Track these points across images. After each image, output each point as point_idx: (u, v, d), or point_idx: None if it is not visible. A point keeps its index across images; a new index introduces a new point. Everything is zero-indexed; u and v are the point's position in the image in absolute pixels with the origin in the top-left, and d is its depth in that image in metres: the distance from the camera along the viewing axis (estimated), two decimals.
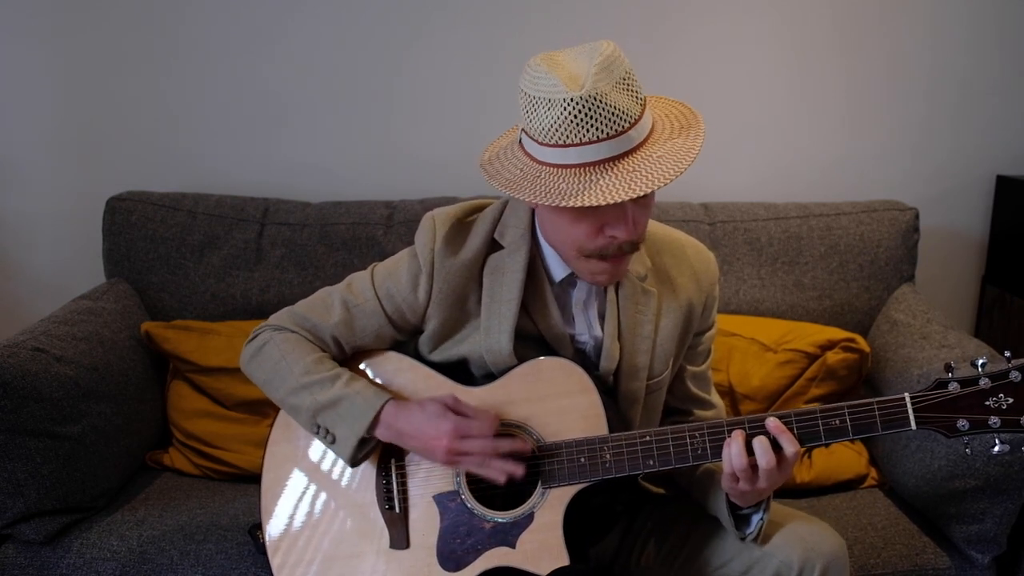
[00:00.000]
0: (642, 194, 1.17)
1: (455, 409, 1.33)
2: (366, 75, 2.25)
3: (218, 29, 2.22)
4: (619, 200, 1.16)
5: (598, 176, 1.19)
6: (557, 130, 1.19)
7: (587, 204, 1.17)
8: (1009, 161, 2.32)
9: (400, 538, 1.39)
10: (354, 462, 1.37)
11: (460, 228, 1.40)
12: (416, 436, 1.33)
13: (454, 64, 2.24)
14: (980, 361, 1.23)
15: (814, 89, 2.27)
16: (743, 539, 1.35)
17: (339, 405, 1.35)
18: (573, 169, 1.21)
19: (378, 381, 1.44)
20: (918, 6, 2.22)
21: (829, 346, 1.93)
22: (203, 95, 2.26)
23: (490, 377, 1.40)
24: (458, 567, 1.36)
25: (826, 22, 2.23)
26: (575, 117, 1.18)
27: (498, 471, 1.30)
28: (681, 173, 1.19)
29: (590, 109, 1.17)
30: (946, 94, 2.28)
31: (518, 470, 1.31)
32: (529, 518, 1.35)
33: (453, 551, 1.36)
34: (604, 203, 1.17)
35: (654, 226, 1.47)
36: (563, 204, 1.18)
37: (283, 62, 2.24)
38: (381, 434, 1.35)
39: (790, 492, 1.85)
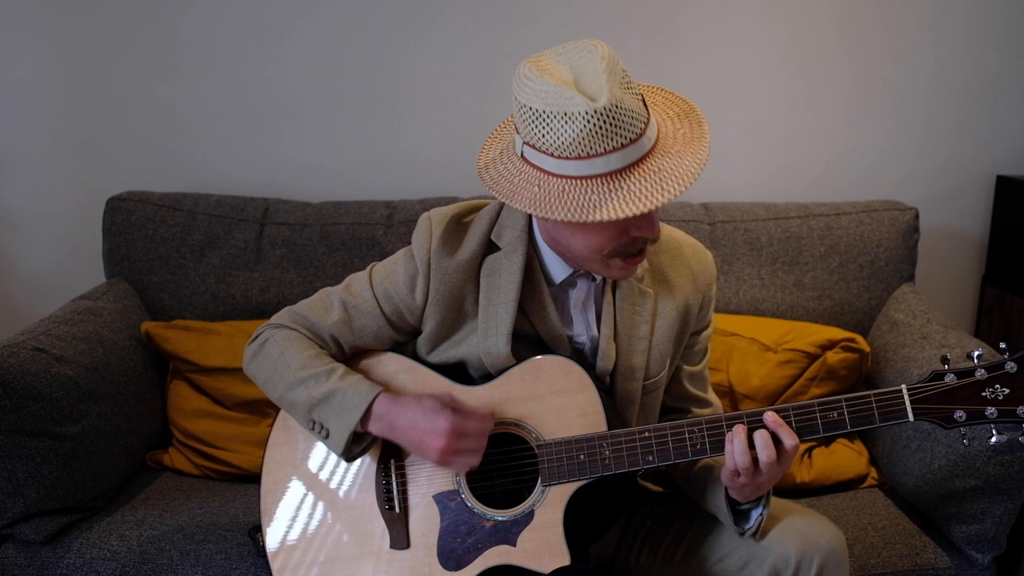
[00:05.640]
0: (677, 195, 1.15)
1: (453, 407, 1.32)
2: (366, 75, 2.25)
3: (218, 29, 2.22)
4: (660, 204, 1.15)
5: (628, 182, 1.17)
6: (580, 143, 1.16)
7: (632, 214, 1.14)
8: (1009, 161, 2.32)
9: (400, 538, 1.39)
10: (348, 457, 1.36)
11: (456, 229, 1.40)
12: (410, 430, 1.31)
13: (454, 64, 2.24)
14: (976, 353, 1.24)
15: (814, 89, 2.27)
16: (742, 535, 1.35)
17: (332, 399, 1.34)
18: (599, 179, 1.18)
19: (378, 381, 1.43)
20: (918, 6, 2.22)
21: (829, 346, 1.93)
22: (203, 95, 2.26)
23: (488, 378, 1.40)
24: (459, 566, 1.35)
25: (826, 22, 2.23)
26: (599, 128, 1.14)
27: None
28: (703, 167, 1.18)
29: (613, 118, 1.14)
30: (946, 94, 2.28)
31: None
32: (529, 516, 1.35)
33: (453, 550, 1.36)
34: (648, 209, 1.14)
35: None
36: (607, 218, 1.15)
37: (283, 62, 2.24)
38: (373, 427, 1.33)
39: (790, 492, 1.84)
